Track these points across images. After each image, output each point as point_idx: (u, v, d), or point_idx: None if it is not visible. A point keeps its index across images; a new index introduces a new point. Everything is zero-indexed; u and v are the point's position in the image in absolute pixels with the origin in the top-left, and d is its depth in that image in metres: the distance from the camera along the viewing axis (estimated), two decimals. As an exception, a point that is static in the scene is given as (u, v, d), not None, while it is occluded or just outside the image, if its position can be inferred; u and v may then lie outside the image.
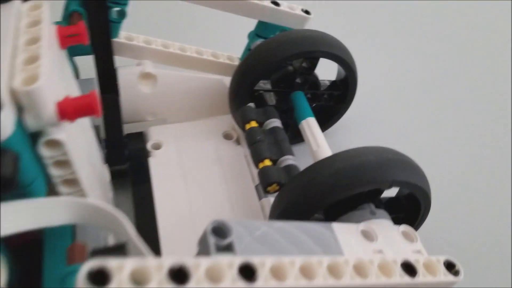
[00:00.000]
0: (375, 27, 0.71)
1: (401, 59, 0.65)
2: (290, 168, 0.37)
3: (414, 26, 0.71)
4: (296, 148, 0.49)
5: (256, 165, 0.38)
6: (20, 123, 0.25)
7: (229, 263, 0.23)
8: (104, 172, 0.42)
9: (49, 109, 0.25)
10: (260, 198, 0.43)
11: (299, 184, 0.33)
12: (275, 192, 0.36)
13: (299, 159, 0.44)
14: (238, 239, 0.26)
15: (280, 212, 0.33)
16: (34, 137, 0.26)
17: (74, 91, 0.34)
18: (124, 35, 0.45)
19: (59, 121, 0.26)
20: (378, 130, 0.55)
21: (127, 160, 0.46)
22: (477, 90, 0.61)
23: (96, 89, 0.38)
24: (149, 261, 0.21)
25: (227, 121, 0.48)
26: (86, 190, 0.30)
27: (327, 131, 0.51)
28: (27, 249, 0.29)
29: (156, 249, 0.38)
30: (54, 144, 0.27)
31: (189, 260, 0.22)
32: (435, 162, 0.51)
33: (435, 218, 0.43)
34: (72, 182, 0.30)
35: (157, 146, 0.46)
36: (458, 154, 0.53)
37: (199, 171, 0.44)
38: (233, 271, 0.23)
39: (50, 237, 0.29)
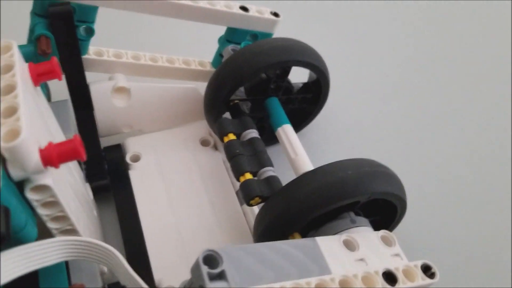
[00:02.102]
0: (344, 23, 0.69)
1: (374, 57, 0.63)
2: (270, 180, 0.38)
3: (389, 26, 0.68)
4: (272, 149, 0.50)
5: (237, 178, 0.39)
6: (5, 175, 0.25)
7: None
8: (87, 191, 0.42)
9: (33, 158, 0.25)
10: (241, 203, 0.44)
11: (282, 200, 0.34)
12: (257, 204, 0.38)
13: (275, 159, 0.44)
14: (230, 266, 0.28)
15: (265, 226, 0.35)
16: (20, 182, 0.26)
17: (52, 125, 0.34)
18: (94, 50, 0.44)
19: (44, 168, 0.26)
20: (350, 128, 0.55)
21: (107, 174, 0.46)
22: (452, 90, 0.60)
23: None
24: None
25: (203, 127, 0.49)
26: (74, 224, 0.31)
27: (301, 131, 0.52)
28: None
29: (145, 265, 0.39)
30: (41, 188, 0.27)
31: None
32: (405, 161, 0.52)
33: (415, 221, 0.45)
34: (61, 218, 0.30)
35: (136, 158, 0.47)
36: (431, 154, 0.53)
37: (180, 181, 0.45)
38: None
39: (45, 280, 0.29)
